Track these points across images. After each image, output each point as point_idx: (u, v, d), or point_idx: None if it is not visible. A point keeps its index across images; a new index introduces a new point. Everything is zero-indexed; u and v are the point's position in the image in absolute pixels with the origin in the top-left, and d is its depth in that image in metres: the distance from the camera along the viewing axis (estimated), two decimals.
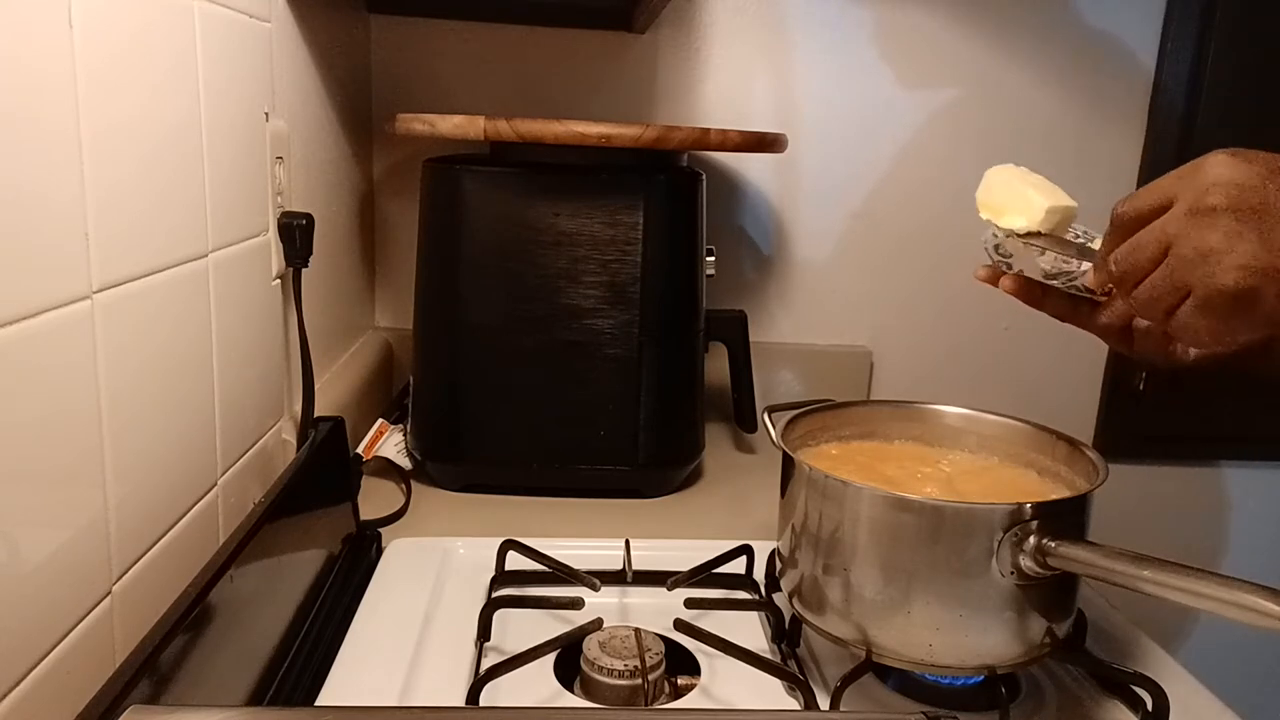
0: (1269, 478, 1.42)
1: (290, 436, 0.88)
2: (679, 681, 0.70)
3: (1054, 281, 0.68)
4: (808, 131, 1.27)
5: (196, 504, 0.68)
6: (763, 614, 0.78)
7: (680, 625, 0.68)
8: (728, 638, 0.68)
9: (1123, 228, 0.59)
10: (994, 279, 0.72)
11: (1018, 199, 0.67)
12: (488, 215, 0.97)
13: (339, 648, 0.70)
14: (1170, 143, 1.29)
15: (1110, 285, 0.62)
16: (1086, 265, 0.65)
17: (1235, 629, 0.57)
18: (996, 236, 0.69)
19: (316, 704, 0.63)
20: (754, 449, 1.19)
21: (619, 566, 0.81)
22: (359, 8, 1.17)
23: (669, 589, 0.77)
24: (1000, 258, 0.71)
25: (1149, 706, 0.66)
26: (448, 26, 1.22)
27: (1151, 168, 1.28)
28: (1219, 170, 0.54)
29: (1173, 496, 1.40)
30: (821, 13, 1.24)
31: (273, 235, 0.83)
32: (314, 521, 0.80)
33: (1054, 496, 0.71)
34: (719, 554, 0.81)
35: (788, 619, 0.74)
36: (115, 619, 0.56)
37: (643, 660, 0.67)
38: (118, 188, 0.56)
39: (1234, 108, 1.28)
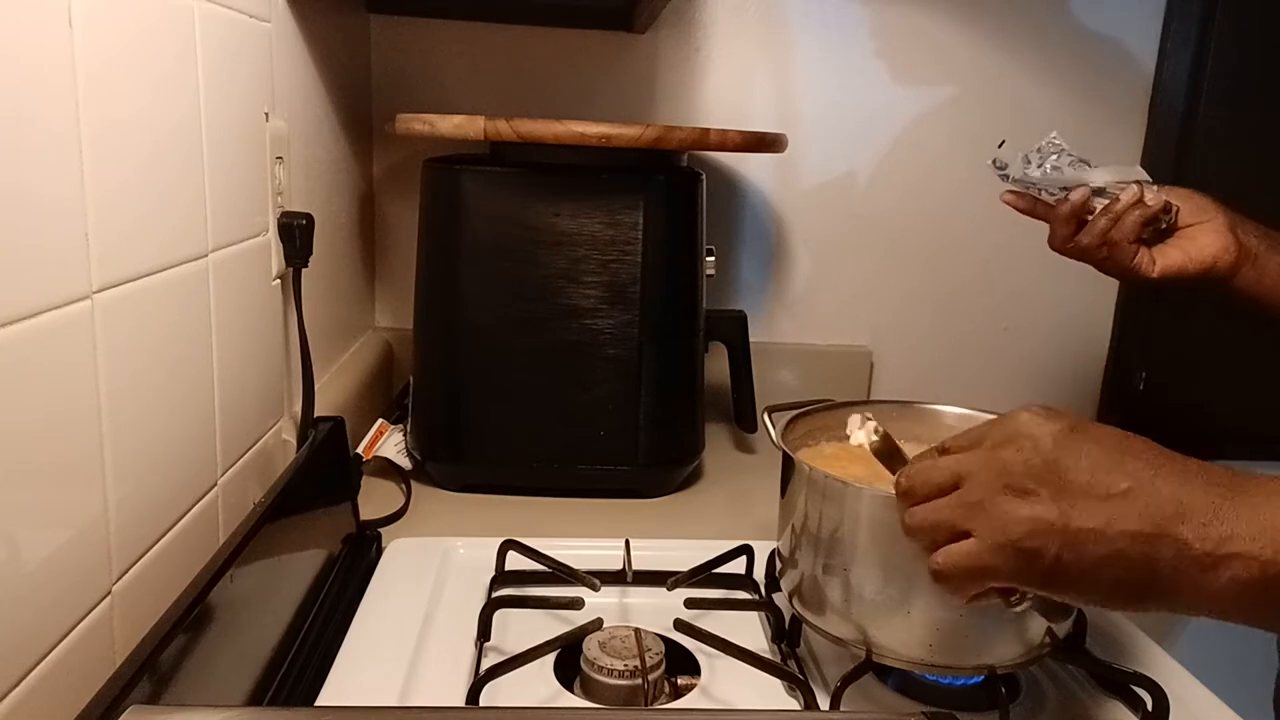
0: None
1: (290, 436, 0.88)
2: (679, 681, 0.70)
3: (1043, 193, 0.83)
4: (808, 131, 1.27)
5: (196, 504, 0.68)
6: (763, 614, 0.78)
7: (680, 625, 0.68)
8: (728, 638, 0.68)
9: (933, 451, 0.58)
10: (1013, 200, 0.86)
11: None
12: (488, 215, 0.97)
13: (339, 648, 0.70)
14: (1170, 142, 1.29)
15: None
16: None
17: (1235, 629, 0.57)
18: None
19: (316, 704, 0.63)
20: (754, 449, 1.19)
21: (619, 566, 0.81)
22: (359, 8, 1.17)
23: (669, 589, 0.77)
24: (998, 170, 0.85)
25: (1149, 706, 0.66)
26: (448, 26, 1.22)
27: (1151, 167, 1.28)
28: (1024, 422, 0.54)
29: None
30: (821, 12, 1.24)
31: (273, 235, 0.83)
32: (314, 521, 0.80)
33: None
34: (719, 554, 0.81)
35: (788, 619, 0.74)
36: (115, 619, 0.56)
37: (643, 660, 0.67)
38: (118, 188, 0.56)
39: (1234, 108, 1.28)
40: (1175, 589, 0.49)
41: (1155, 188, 0.81)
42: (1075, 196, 0.81)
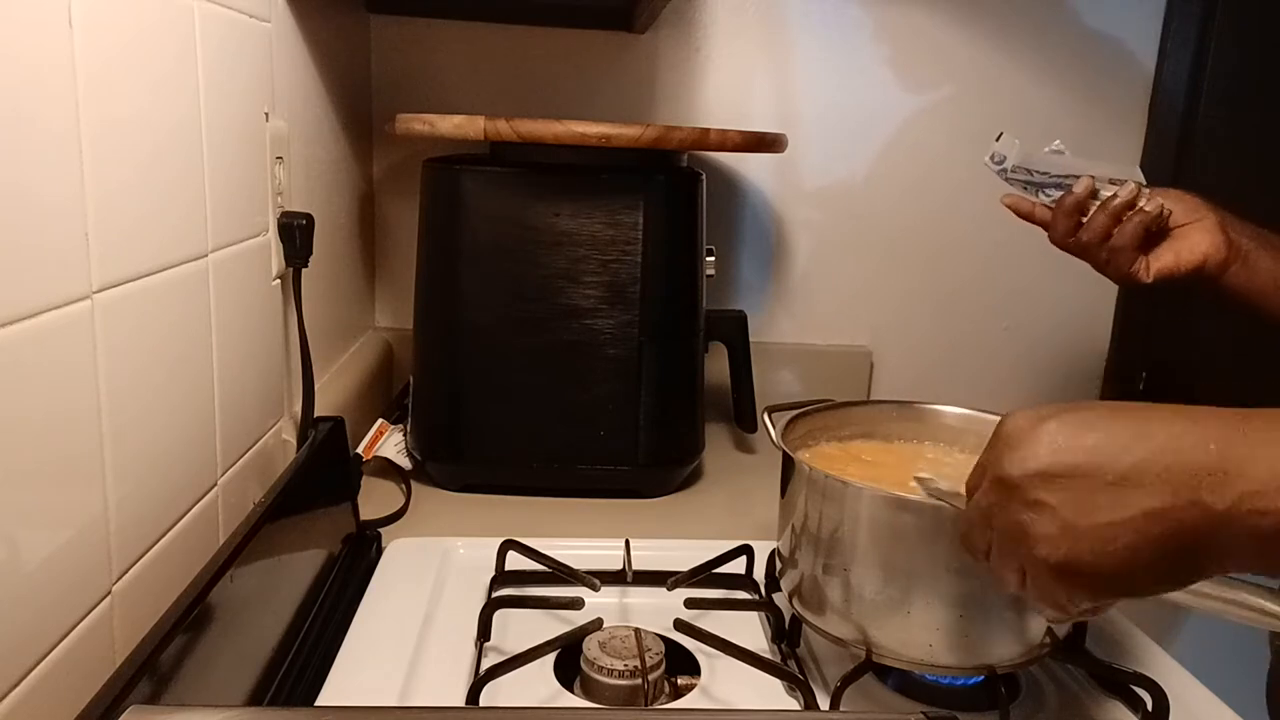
0: None
1: (290, 436, 0.88)
2: (679, 681, 0.70)
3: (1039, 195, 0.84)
4: (808, 131, 1.27)
5: (196, 504, 0.68)
6: (763, 614, 0.78)
7: (680, 625, 0.68)
8: (728, 638, 0.68)
9: (966, 499, 0.57)
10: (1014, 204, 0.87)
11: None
12: (488, 215, 0.97)
13: (339, 648, 0.70)
14: (1170, 142, 1.29)
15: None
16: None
17: (1235, 629, 0.57)
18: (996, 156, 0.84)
19: (316, 704, 0.63)
20: (754, 449, 1.19)
21: (619, 566, 0.81)
22: (359, 8, 1.17)
23: (669, 589, 0.77)
24: (995, 165, 0.85)
25: (1149, 706, 0.66)
26: (448, 26, 1.22)
27: (1151, 167, 1.28)
28: (1008, 434, 0.52)
29: None
30: (821, 12, 1.24)
31: (273, 235, 0.83)
32: (314, 521, 0.80)
33: None
34: (719, 554, 0.81)
35: (788, 619, 0.74)
36: (115, 619, 0.56)
37: (643, 660, 0.67)
38: (118, 188, 0.56)
39: (1234, 108, 1.28)
40: (1220, 550, 0.46)
41: (1149, 191, 0.81)
42: (1079, 188, 0.82)
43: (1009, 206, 0.86)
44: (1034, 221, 0.86)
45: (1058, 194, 0.84)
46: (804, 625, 0.71)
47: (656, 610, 0.76)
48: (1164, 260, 0.81)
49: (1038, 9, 1.26)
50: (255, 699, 0.60)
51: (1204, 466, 0.46)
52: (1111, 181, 0.82)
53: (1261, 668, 0.96)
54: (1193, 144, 1.28)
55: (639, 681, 0.66)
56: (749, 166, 1.29)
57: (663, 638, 0.70)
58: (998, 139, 0.84)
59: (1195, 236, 0.81)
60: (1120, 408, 0.50)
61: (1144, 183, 0.82)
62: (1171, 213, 0.81)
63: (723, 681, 0.69)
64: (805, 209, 1.30)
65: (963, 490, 0.57)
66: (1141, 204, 0.80)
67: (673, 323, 1.02)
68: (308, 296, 0.88)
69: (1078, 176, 0.83)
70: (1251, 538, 0.45)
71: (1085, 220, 0.82)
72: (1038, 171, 0.83)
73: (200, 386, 0.69)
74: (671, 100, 1.26)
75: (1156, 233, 0.82)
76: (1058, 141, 0.84)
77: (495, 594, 0.78)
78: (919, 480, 0.64)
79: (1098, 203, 0.82)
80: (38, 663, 0.49)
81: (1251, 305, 0.81)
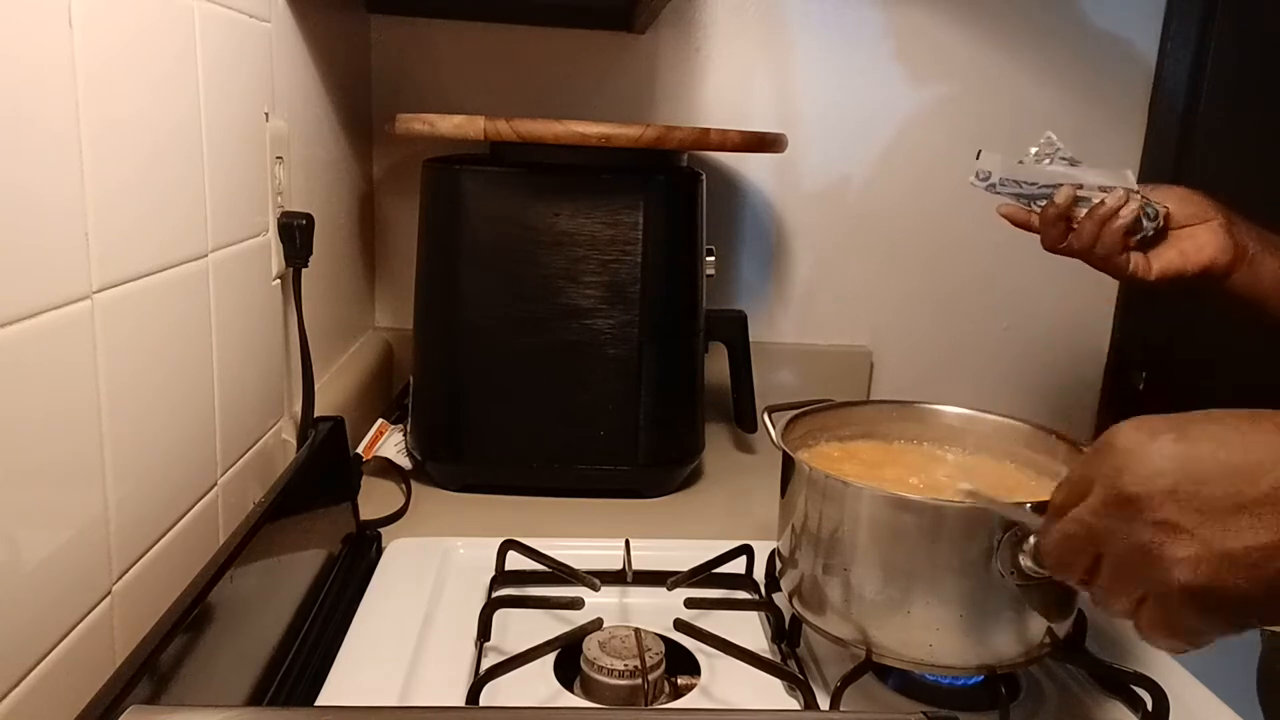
0: None
1: (290, 436, 0.88)
2: (679, 681, 0.70)
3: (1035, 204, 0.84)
4: (808, 131, 1.27)
5: (196, 504, 0.68)
6: (763, 614, 0.78)
7: (680, 625, 0.68)
8: (728, 638, 0.68)
9: (1054, 515, 0.53)
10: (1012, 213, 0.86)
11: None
12: (488, 215, 0.97)
13: (339, 648, 0.70)
14: (1170, 142, 1.29)
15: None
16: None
17: None
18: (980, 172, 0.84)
19: (316, 704, 0.63)
20: (754, 449, 1.19)
21: (619, 566, 0.81)
22: (359, 8, 1.17)
23: (669, 589, 0.77)
24: (980, 181, 0.84)
25: (1149, 706, 0.66)
26: (448, 26, 1.22)
27: (1151, 167, 1.28)
28: (1125, 448, 0.48)
29: None
30: (821, 12, 1.24)
31: (273, 235, 0.83)
32: (314, 521, 0.80)
33: None
34: (719, 554, 0.81)
35: (788, 619, 0.74)
36: (115, 619, 0.56)
37: (643, 660, 0.67)
38: (118, 188, 0.56)
39: (1234, 107, 1.28)
40: None
41: (1139, 194, 0.80)
42: (1059, 198, 0.81)
43: (1006, 217, 0.85)
44: (1033, 230, 0.85)
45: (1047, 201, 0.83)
46: (804, 625, 0.71)
47: (656, 610, 0.76)
48: (1169, 260, 0.80)
49: (1038, 9, 1.26)
50: (255, 699, 0.60)
51: None
52: (1101, 188, 0.81)
53: (1247, 650, 0.96)
54: (1193, 144, 1.28)
55: (639, 681, 0.66)
56: (749, 166, 1.29)
57: (663, 638, 0.70)
58: (978, 157, 0.83)
59: (1203, 237, 0.80)
60: (1245, 419, 0.47)
61: (1134, 187, 0.81)
62: (1167, 213, 0.80)
63: (723, 681, 0.69)
64: (805, 209, 1.30)
65: (1021, 499, 0.56)
66: (1122, 212, 0.79)
67: (673, 323, 1.02)
68: (308, 296, 0.88)
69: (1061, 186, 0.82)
70: None
71: (1075, 227, 0.82)
72: (1025, 183, 0.83)
73: (200, 386, 0.69)
74: (671, 100, 1.26)
75: (1157, 235, 0.81)
76: (1049, 134, 0.83)
77: (495, 594, 0.78)
78: (966, 492, 0.62)
79: (1084, 210, 0.81)
80: (38, 663, 0.49)
81: (1255, 308, 0.80)
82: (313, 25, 0.95)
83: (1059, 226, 0.82)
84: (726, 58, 1.25)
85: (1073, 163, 0.83)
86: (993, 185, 0.84)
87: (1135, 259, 0.81)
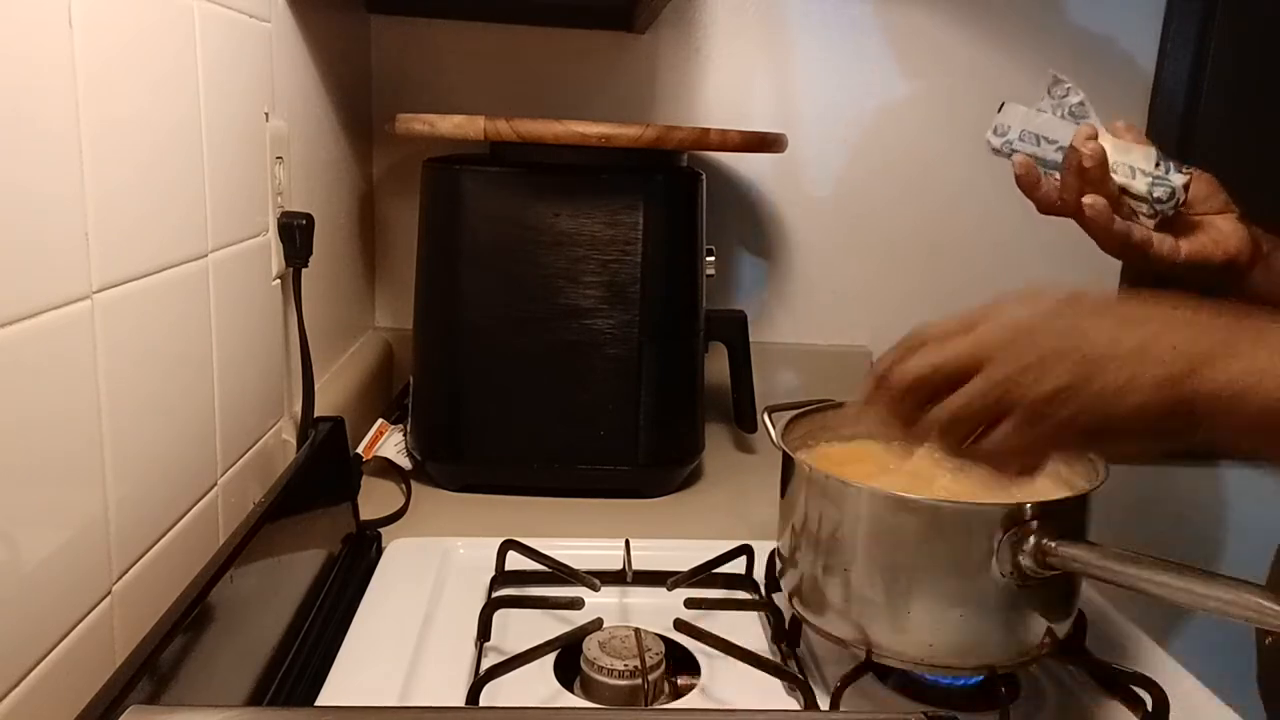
0: (1269, 478, 1.42)
1: (290, 436, 0.88)
2: (679, 681, 0.70)
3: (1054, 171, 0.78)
4: (808, 131, 1.27)
5: (196, 504, 0.68)
6: (763, 614, 0.78)
7: (680, 625, 0.68)
8: (728, 638, 0.68)
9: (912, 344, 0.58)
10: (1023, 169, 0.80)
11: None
12: (488, 215, 0.97)
13: (339, 648, 0.70)
14: (1170, 142, 1.29)
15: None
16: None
17: (1235, 629, 0.57)
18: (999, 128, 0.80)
19: (316, 704, 0.63)
20: (754, 449, 1.19)
21: (619, 566, 0.81)
22: (359, 8, 1.17)
23: (669, 589, 0.77)
24: (1000, 138, 0.81)
25: (1149, 706, 0.66)
26: (448, 26, 1.22)
27: None
28: (1020, 303, 0.56)
29: (1172, 496, 1.40)
30: (821, 12, 1.24)
31: (273, 235, 0.83)
32: (314, 521, 0.80)
33: (1053, 496, 0.70)
34: (719, 554, 0.81)
35: (788, 619, 0.74)
36: (115, 619, 0.56)
37: (643, 660, 0.67)
38: (118, 188, 0.56)
39: (1234, 107, 1.28)
40: (1212, 421, 0.52)
41: (1163, 164, 0.76)
42: (1088, 150, 0.75)
43: (1020, 177, 0.80)
44: (1037, 198, 0.79)
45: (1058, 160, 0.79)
46: (804, 625, 0.71)
47: (656, 610, 0.76)
48: (1201, 244, 0.77)
49: (1038, 9, 1.26)
50: (255, 699, 0.60)
51: (1212, 347, 0.51)
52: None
53: (1247, 649, 0.96)
54: (1193, 144, 1.28)
55: (639, 681, 0.66)
56: (749, 166, 1.29)
57: (663, 638, 0.70)
58: (1000, 110, 0.81)
59: (1228, 226, 0.78)
60: (1123, 294, 0.55)
61: (1161, 159, 0.76)
62: (1189, 182, 0.76)
63: (723, 681, 0.69)
64: (805, 208, 1.30)
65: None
66: (1085, 160, 0.75)
67: (673, 323, 1.02)
68: (308, 296, 0.88)
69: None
70: (1255, 415, 0.50)
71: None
72: (1045, 139, 0.79)
73: (200, 386, 0.69)
74: (671, 100, 1.26)
75: (1177, 216, 0.77)
76: (1053, 72, 0.80)
77: (495, 594, 0.78)
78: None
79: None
80: (38, 663, 0.49)
81: (1274, 307, 0.78)
82: (313, 25, 0.95)
83: (1080, 181, 0.76)
84: (726, 58, 1.25)
85: (1080, 118, 0.79)
86: (1009, 142, 0.80)
87: (1164, 240, 0.77)
